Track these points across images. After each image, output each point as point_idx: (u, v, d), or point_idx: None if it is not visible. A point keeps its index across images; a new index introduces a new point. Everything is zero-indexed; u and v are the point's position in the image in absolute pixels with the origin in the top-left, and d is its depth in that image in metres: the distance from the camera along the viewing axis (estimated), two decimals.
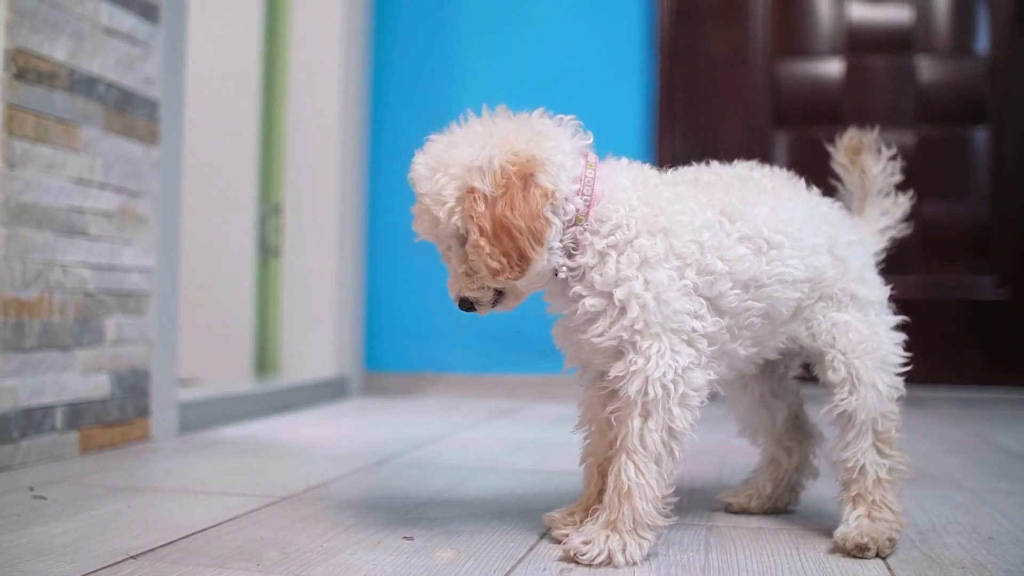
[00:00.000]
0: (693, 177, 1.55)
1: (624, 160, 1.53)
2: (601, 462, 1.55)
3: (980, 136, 3.96)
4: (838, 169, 1.82)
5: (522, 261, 1.35)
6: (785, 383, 1.77)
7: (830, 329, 1.55)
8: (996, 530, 1.65)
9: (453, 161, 1.37)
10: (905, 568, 1.39)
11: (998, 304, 3.94)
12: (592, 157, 1.47)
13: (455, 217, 1.37)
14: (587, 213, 1.41)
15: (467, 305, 1.46)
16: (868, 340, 1.54)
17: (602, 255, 1.40)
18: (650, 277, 1.38)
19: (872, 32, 4.05)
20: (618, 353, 1.40)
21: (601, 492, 1.54)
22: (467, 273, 1.42)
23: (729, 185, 1.52)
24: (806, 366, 1.70)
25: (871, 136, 1.78)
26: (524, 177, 1.34)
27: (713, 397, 1.47)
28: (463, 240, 1.40)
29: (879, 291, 1.60)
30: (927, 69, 4.00)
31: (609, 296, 1.39)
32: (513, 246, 1.33)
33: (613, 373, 1.40)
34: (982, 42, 3.98)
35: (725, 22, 4.13)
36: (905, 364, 1.57)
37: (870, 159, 1.77)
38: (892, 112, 3.99)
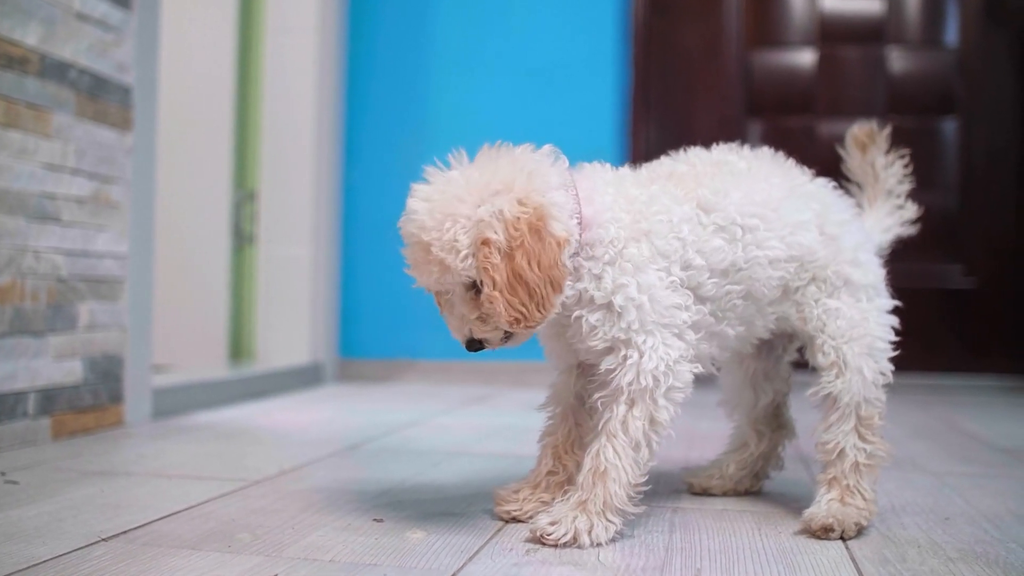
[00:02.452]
0: (668, 171, 1.56)
1: (598, 168, 1.52)
2: (558, 444, 1.59)
3: (949, 127, 4.02)
4: (848, 162, 1.83)
5: (541, 309, 1.34)
6: (779, 367, 1.79)
7: (821, 315, 1.57)
8: (953, 511, 1.69)
9: (459, 210, 1.34)
10: (863, 547, 1.43)
11: (966, 292, 4.01)
12: (574, 182, 1.45)
13: (468, 263, 1.34)
14: (581, 242, 1.42)
15: (476, 345, 1.43)
16: (858, 326, 1.56)
17: (598, 276, 1.41)
18: (641, 280, 1.40)
19: (844, 23, 4.10)
20: (610, 348, 1.43)
21: (550, 473, 1.58)
22: (480, 318, 1.40)
23: (702, 175, 1.53)
24: (801, 349, 1.70)
25: (880, 131, 1.79)
26: (537, 228, 1.33)
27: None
28: (470, 287, 1.38)
29: (873, 274, 1.61)
30: (897, 60, 4.05)
31: (608, 304, 1.41)
32: (530, 297, 1.33)
33: (605, 366, 1.43)
34: (951, 34, 4.04)
35: (700, 13, 4.16)
36: (894, 350, 1.59)
37: (879, 155, 1.79)
38: (863, 102, 4.04)
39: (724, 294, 1.50)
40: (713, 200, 1.49)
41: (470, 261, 1.34)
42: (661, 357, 1.40)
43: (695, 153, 1.61)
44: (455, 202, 1.35)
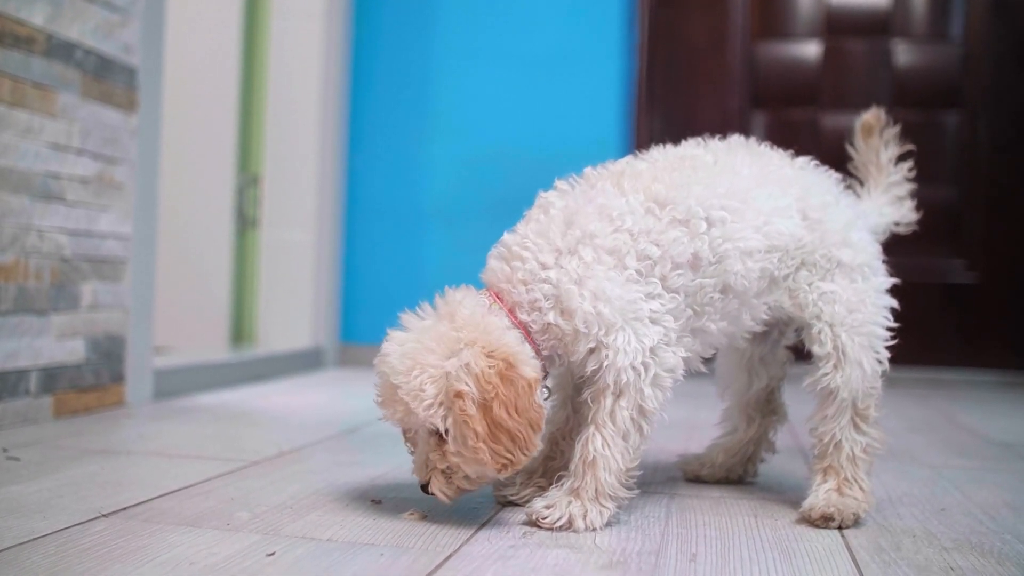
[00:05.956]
0: (620, 169, 1.54)
1: (501, 254, 1.50)
2: (555, 432, 1.60)
3: (953, 121, 4.01)
4: (854, 150, 1.81)
5: (525, 452, 1.35)
6: (776, 352, 1.78)
7: (816, 300, 1.54)
8: (949, 502, 1.70)
9: (429, 361, 1.36)
10: (858, 536, 1.44)
11: (968, 287, 4.01)
12: (501, 304, 1.46)
13: (433, 413, 1.35)
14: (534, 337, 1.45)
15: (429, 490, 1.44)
16: (856, 311, 1.54)
17: (554, 320, 1.42)
18: (592, 288, 1.40)
19: (850, 15, 4.09)
20: (590, 352, 1.43)
21: (548, 459, 1.60)
22: (446, 473, 1.41)
23: (660, 171, 1.51)
24: (800, 330, 1.66)
25: (887, 120, 1.78)
26: (508, 376, 1.34)
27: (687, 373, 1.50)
28: (433, 432, 1.39)
29: (866, 252, 1.59)
30: (903, 53, 4.04)
31: (574, 330, 1.41)
32: (513, 442, 1.34)
33: (590, 368, 1.43)
34: (957, 28, 4.03)
35: (706, 4, 4.15)
36: (892, 337, 1.57)
37: (884, 147, 1.78)
38: (868, 95, 4.01)
39: (697, 288, 1.48)
40: (668, 194, 1.47)
41: (434, 410, 1.35)
42: (636, 348, 1.40)
43: (659, 150, 1.60)
44: (424, 352, 1.37)
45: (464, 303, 1.43)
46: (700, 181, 1.50)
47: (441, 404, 1.35)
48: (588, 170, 1.56)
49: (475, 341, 1.36)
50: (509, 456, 1.34)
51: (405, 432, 1.46)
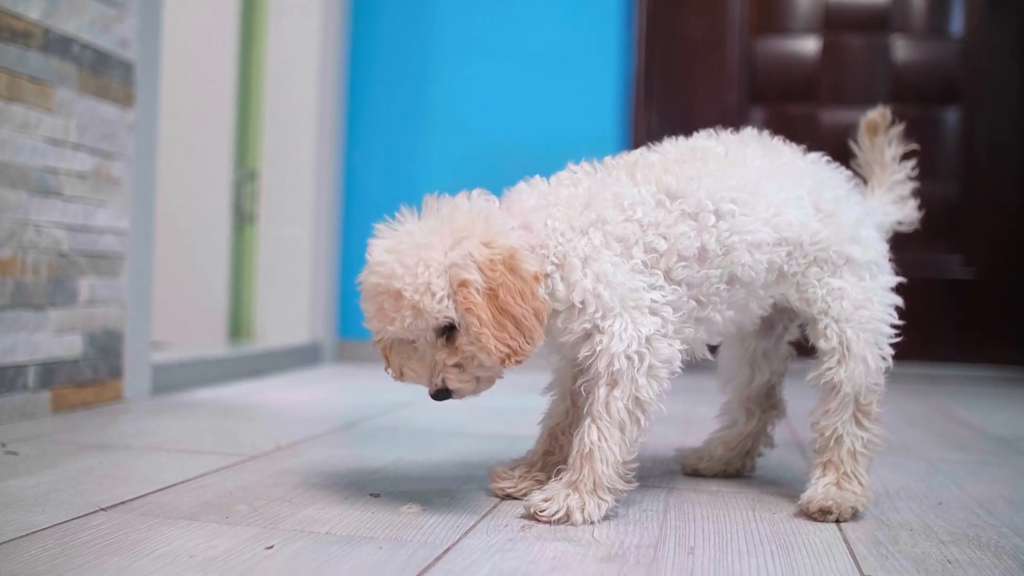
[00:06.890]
0: (633, 160, 1.55)
1: (523, 188, 1.53)
2: (554, 426, 1.61)
3: (952, 116, 4.02)
4: (858, 148, 1.82)
5: (530, 341, 1.36)
6: (779, 347, 1.78)
7: (825, 297, 1.55)
8: (946, 496, 1.70)
9: (429, 256, 1.35)
10: (855, 529, 1.44)
11: (966, 283, 4.01)
12: (504, 208, 1.49)
13: (445, 304, 1.34)
14: None
15: (444, 395, 1.42)
16: (863, 308, 1.55)
17: (553, 284, 1.42)
18: (595, 270, 1.41)
19: (849, 11, 4.10)
20: (586, 336, 1.43)
21: (547, 453, 1.61)
22: (458, 365, 1.40)
23: (671, 163, 1.52)
24: (803, 326, 1.67)
25: (892, 119, 1.79)
26: (512, 266, 1.35)
27: (685, 365, 1.50)
28: (440, 332, 1.38)
29: (874, 250, 1.60)
30: (902, 49, 4.05)
31: (570, 305, 1.42)
32: (518, 329, 1.34)
33: (582, 354, 1.43)
34: (956, 24, 4.03)
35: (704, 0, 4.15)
36: (897, 335, 1.58)
37: (888, 145, 1.78)
38: (866, 91, 4.03)
39: (702, 279, 1.49)
40: (679, 187, 1.48)
41: (447, 303, 1.34)
42: (632, 336, 1.40)
43: (671, 142, 1.61)
44: (423, 249, 1.36)
45: (467, 199, 1.45)
46: (710, 173, 1.51)
47: (449, 296, 1.34)
48: (607, 159, 1.58)
49: (474, 232, 1.37)
50: (513, 344, 1.34)
51: (394, 349, 1.46)
